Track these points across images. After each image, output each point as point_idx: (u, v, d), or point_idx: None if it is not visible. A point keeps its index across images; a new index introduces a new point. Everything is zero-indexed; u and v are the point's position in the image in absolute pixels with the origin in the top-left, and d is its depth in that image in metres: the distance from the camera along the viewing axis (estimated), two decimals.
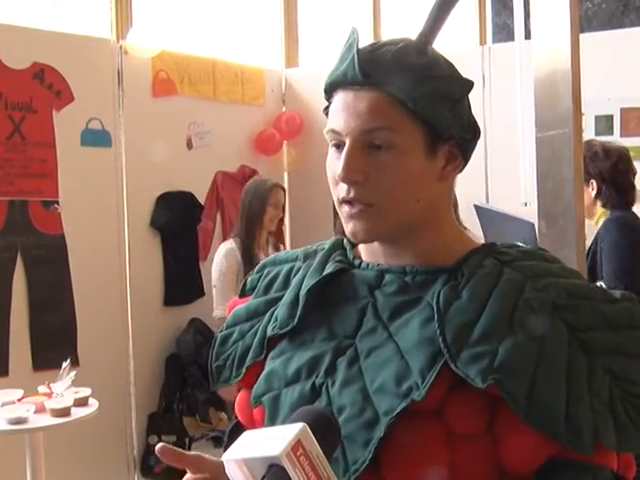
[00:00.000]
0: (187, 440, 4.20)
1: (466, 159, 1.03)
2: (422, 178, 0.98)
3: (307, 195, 4.80)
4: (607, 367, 0.92)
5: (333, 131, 0.99)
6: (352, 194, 0.98)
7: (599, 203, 3.02)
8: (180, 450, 0.97)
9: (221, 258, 3.85)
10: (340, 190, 0.99)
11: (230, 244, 3.89)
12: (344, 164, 0.96)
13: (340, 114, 0.98)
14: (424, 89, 0.95)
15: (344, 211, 1.00)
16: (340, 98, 0.99)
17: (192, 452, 0.97)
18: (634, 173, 3.09)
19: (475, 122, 1.03)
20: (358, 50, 0.97)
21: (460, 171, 1.04)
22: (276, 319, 1.06)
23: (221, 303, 3.72)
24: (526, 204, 2.80)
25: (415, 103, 0.95)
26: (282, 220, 4.08)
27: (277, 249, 3.96)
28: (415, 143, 0.97)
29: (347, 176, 0.97)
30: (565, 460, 0.88)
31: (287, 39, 5.16)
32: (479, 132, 1.03)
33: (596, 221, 3.03)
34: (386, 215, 0.98)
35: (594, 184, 2.99)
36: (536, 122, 1.83)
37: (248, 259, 3.75)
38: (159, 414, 4.22)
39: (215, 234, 4.57)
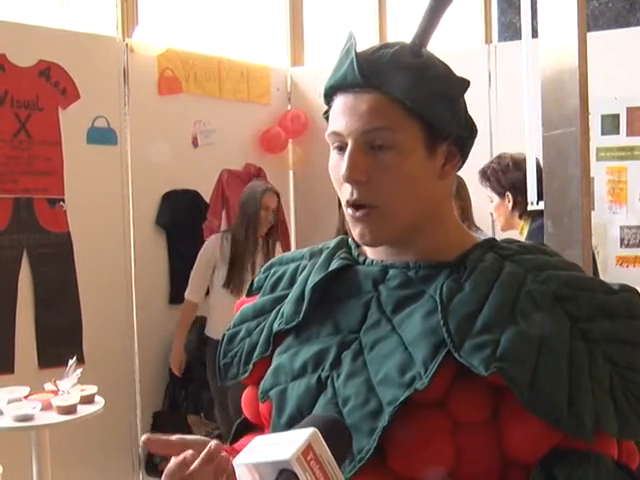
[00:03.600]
0: None
1: (464, 157, 1.05)
2: (423, 176, 1.00)
3: (312, 193, 4.81)
4: (607, 355, 0.94)
5: (335, 133, 1.01)
6: (356, 195, 1.00)
7: (517, 214, 3.07)
8: (165, 437, 0.95)
9: (204, 247, 4.06)
10: (345, 192, 1.01)
11: (215, 238, 4.06)
12: (347, 164, 0.98)
13: (341, 116, 1.00)
14: (422, 89, 0.97)
15: (349, 214, 1.02)
16: (340, 101, 1.01)
17: (175, 436, 0.95)
18: None
19: (472, 121, 1.05)
20: (357, 53, 0.99)
21: (459, 169, 1.07)
22: (282, 315, 1.08)
23: (190, 286, 4.03)
24: (532, 203, 2.80)
25: (413, 102, 0.97)
26: (275, 227, 4.09)
27: (267, 258, 3.95)
28: (415, 142, 0.99)
29: (351, 176, 0.99)
30: (568, 448, 0.90)
31: (293, 37, 5.16)
32: (476, 130, 1.05)
33: (520, 231, 3.08)
34: (391, 216, 1.00)
35: (510, 196, 3.05)
36: (543, 121, 1.83)
37: (236, 257, 3.93)
38: (164, 412, 4.22)
39: None
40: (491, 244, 1.06)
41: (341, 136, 1.00)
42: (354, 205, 1.00)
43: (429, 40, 1.03)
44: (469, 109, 1.05)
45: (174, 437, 0.95)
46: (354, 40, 1.01)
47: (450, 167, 1.03)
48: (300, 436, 0.78)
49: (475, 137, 1.05)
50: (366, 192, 0.99)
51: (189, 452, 0.91)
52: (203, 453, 0.90)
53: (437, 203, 1.04)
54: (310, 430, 0.78)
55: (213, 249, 4.00)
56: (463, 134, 1.03)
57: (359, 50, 1.01)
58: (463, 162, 1.06)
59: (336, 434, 0.82)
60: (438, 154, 1.01)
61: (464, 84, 1.03)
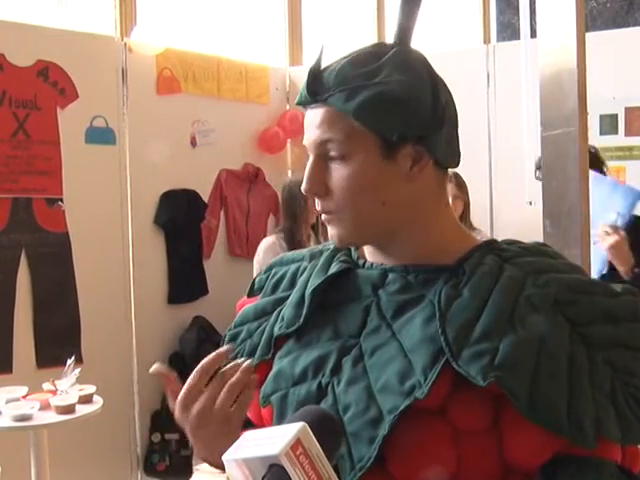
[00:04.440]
0: None
1: (436, 155, 1.01)
2: (384, 182, 1.00)
3: None
4: (608, 360, 0.93)
5: (305, 145, 1.05)
6: (319, 207, 1.03)
7: None
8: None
9: (261, 253, 3.88)
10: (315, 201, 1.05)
11: (273, 239, 3.91)
12: (306, 178, 1.02)
13: (305, 130, 1.04)
14: (360, 97, 0.97)
15: (323, 218, 1.05)
16: (306, 116, 1.04)
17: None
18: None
19: (440, 116, 1.00)
20: (310, 72, 1.02)
21: (455, 165, 1.05)
22: (283, 319, 1.08)
23: None
24: (531, 203, 2.80)
25: (354, 112, 0.97)
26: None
27: (318, 243, 3.96)
28: (368, 150, 0.98)
29: (309, 189, 1.02)
30: (570, 455, 0.89)
31: (291, 37, 5.16)
32: (444, 124, 1.00)
33: None
34: (352, 222, 1.02)
35: None
36: (541, 121, 1.83)
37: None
38: (162, 412, 4.22)
39: (219, 232, 4.57)
40: (491, 246, 1.04)
41: (307, 149, 1.04)
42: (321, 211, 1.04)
43: (410, 35, 1.02)
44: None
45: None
46: (319, 56, 1.03)
47: (418, 169, 1.00)
48: (289, 431, 0.77)
49: (441, 131, 1.00)
50: (326, 203, 1.02)
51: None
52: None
53: (415, 205, 1.01)
54: (299, 424, 0.78)
55: (272, 252, 3.79)
56: (425, 133, 0.99)
57: (318, 66, 1.03)
58: (458, 159, 1.04)
59: (326, 427, 0.81)
60: (399, 157, 0.99)
61: (419, 83, 0.99)
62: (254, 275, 4.12)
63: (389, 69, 0.99)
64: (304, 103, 1.03)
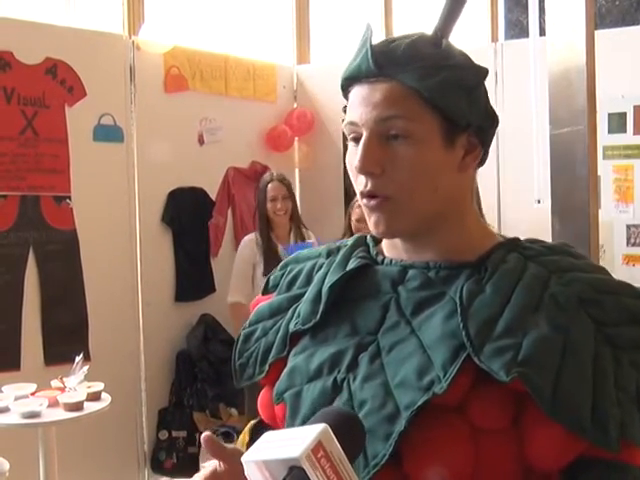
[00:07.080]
0: (197, 435, 4.20)
1: (486, 148, 1.01)
2: (441, 168, 0.97)
3: (318, 191, 4.80)
4: (633, 362, 0.91)
5: (351, 123, 0.99)
6: (369, 187, 0.97)
7: None
8: (222, 444, 0.96)
9: (240, 248, 4.15)
10: (359, 183, 0.99)
11: (251, 235, 4.12)
12: (361, 155, 0.96)
13: (357, 106, 0.98)
14: (437, 78, 0.95)
15: (364, 204, 1.00)
16: (357, 92, 0.99)
17: (230, 446, 0.96)
18: None
19: (493, 110, 1.02)
20: (372, 44, 0.98)
21: (482, 163, 1.03)
22: (299, 315, 1.06)
23: (233, 289, 4.03)
24: (539, 201, 2.79)
25: (429, 92, 0.95)
26: (294, 209, 4.16)
27: (302, 238, 4.01)
28: (432, 133, 0.96)
29: (364, 167, 0.96)
30: (593, 457, 0.86)
31: (299, 35, 5.16)
32: (497, 120, 1.02)
33: None
34: (405, 207, 0.97)
35: None
36: (550, 119, 1.83)
37: (267, 251, 3.98)
38: (169, 409, 4.23)
39: (226, 230, 4.58)
40: (514, 244, 1.03)
41: (357, 126, 0.98)
42: (368, 195, 0.98)
43: (450, 31, 1.01)
44: None
45: (230, 447, 0.95)
46: (370, 31, 0.99)
47: (470, 159, 0.99)
48: (310, 432, 0.76)
49: (496, 127, 1.02)
50: (380, 183, 0.96)
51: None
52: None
53: (456, 197, 1.00)
54: (321, 426, 0.76)
55: (250, 249, 4.03)
56: (483, 124, 0.99)
57: (376, 41, 0.99)
58: (485, 156, 1.03)
59: (348, 429, 0.80)
60: (457, 145, 0.98)
61: (482, 72, 1.00)
62: (234, 272, 4.24)
63: (454, 56, 0.99)
64: (362, 77, 0.98)
